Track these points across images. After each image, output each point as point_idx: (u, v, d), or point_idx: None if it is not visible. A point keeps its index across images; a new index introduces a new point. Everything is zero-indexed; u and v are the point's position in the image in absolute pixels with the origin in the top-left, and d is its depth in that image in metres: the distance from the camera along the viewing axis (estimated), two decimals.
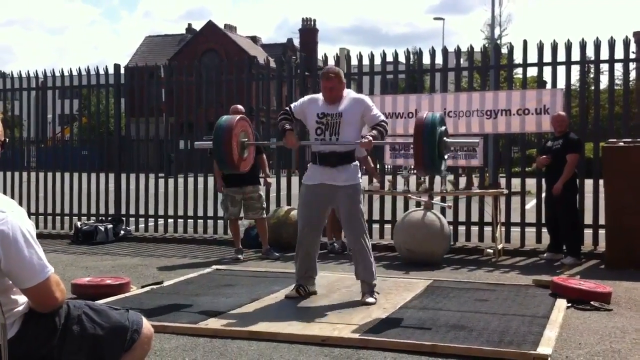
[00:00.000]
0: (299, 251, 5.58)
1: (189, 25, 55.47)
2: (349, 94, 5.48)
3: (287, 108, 5.57)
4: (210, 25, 50.29)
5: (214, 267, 7.15)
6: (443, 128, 5.05)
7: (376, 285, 5.50)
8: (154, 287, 6.00)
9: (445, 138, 5.07)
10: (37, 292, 2.34)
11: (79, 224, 9.97)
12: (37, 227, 10.50)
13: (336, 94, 5.37)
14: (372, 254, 5.48)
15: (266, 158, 8.48)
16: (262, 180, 8.31)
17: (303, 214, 5.54)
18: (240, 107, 8.25)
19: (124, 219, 10.30)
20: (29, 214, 10.29)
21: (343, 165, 5.34)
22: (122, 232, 9.94)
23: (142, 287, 6.06)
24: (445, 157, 5.19)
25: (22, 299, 2.41)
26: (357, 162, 5.51)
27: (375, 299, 5.37)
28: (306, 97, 5.66)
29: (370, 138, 5.23)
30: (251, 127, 5.88)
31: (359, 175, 5.49)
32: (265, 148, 8.69)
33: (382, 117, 5.41)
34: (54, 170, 10.99)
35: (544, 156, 7.85)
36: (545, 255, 7.92)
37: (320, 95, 5.49)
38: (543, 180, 8.61)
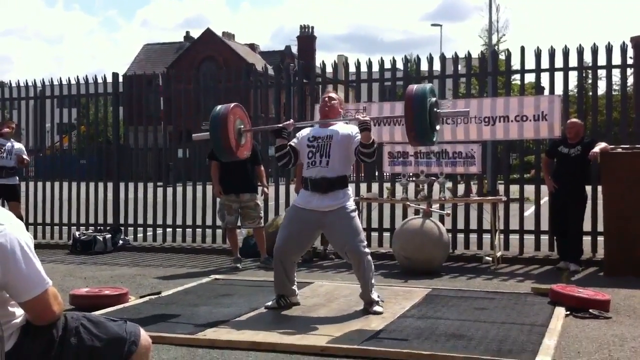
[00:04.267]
0: (275, 266, 5.53)
1: (187, 33, 55.59)
2: (341, 122, 5.54)
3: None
4: (208, 33, 50.38)
5: (213, 276, 7.13)
6: (433, 99, 5.05)
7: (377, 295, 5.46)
8: (152, 297, 5.99)
9: (436, 109, 5.06)
10: (34, 305, 2.34)
11: (77, 233, 9.95)
12: (35, 237, 10.53)
13: (331, 111, 5.46)
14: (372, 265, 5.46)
15: (264, 168, 8.49)
16: (260, 190, 8.31)
17: (283, 233, 5.45)
18: None
19: (122, 228, 10.29)
20: (28, 224, 10.37)
21: (334, 191, 5.28)
22: (121, 241, 9.92)
23: (141, 297, 6.05)
24: (437, 127, 5.17)
25: (19, 311, 2.40)
26: (349, 189, 5.43)
27: (382, 307, 5.33)
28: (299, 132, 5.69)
29: (368, 118, 5.22)
30: (247, 115, 5.87)
31: (352, 200, 5.42)
32: (264, 158, 8.67)
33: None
34: (52, 180, 10.99)
35: (553, 184, 7.82)
36: (560, 264, 7.85)
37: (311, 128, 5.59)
38: (541, 186, 8.62)
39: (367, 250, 5.36)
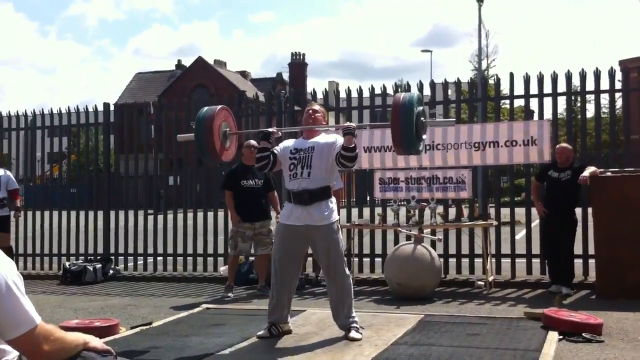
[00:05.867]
0: (272, 291, 5.48)
1: (179, 61, 55.83)
2: (324, 133, 5.54)
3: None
4: (199, 61, 50.57)
5: (204, 306, 7.08)
6: (420, 108, 5.06)
7: (357, 320, 5.44)
8: (143, 328, 5.93)
9: (422, 118, 5.07)
10: (21, 344, 2.31)
11: (67, 264, 9.89)
12: (25, 268, 10.47)
13: (315, 123, 5.48)
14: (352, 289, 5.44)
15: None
16: (274, 216, 8.31)
17: (278, 255, 5.40)
18: (252, 142, 8.08)
19: (112, 258, 10.23)
20: (17, 255, 10.30)
21: (317, 202, 5.24)
22: (111, 271, 9.87)
23: (131, 328, 5.99)
24: (423, 137, 5.18)
25: (10, 348, 2.38)
26: (333, 199, 5.39)
27: (361, 333, 5.31)
28: (282, 142, 5.67)
29: (354, 125, 5.23)
30: (233, 118, 5.80)
31: (335, 212, 5.37)
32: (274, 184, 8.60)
33: None
34: (42, 209, 10.94)
35: (543, 209, 7.89)
36: (552, 287, 7.85)
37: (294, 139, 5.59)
38: (532, 210, 8.63)
39: (348, 272, 5.38)
